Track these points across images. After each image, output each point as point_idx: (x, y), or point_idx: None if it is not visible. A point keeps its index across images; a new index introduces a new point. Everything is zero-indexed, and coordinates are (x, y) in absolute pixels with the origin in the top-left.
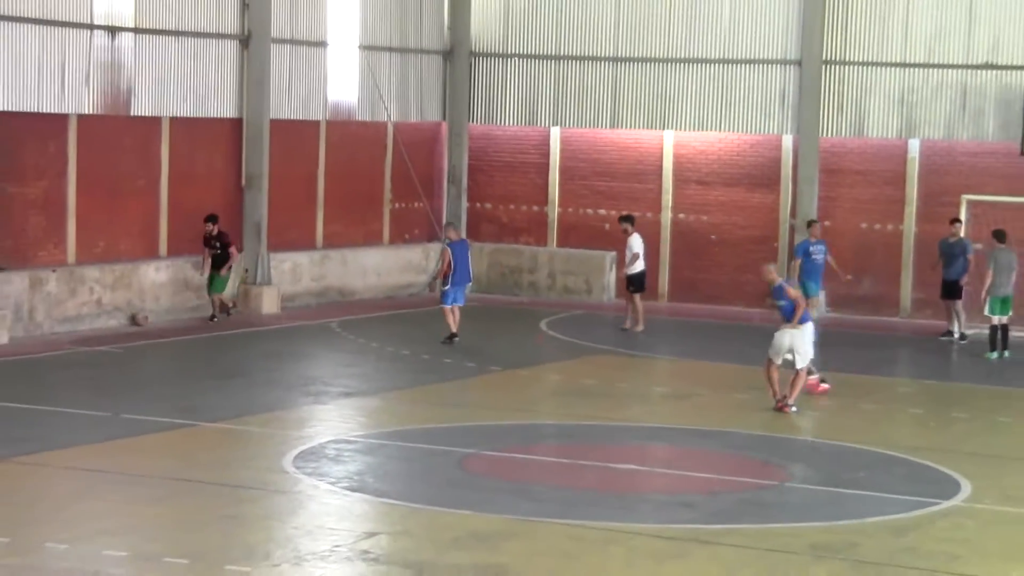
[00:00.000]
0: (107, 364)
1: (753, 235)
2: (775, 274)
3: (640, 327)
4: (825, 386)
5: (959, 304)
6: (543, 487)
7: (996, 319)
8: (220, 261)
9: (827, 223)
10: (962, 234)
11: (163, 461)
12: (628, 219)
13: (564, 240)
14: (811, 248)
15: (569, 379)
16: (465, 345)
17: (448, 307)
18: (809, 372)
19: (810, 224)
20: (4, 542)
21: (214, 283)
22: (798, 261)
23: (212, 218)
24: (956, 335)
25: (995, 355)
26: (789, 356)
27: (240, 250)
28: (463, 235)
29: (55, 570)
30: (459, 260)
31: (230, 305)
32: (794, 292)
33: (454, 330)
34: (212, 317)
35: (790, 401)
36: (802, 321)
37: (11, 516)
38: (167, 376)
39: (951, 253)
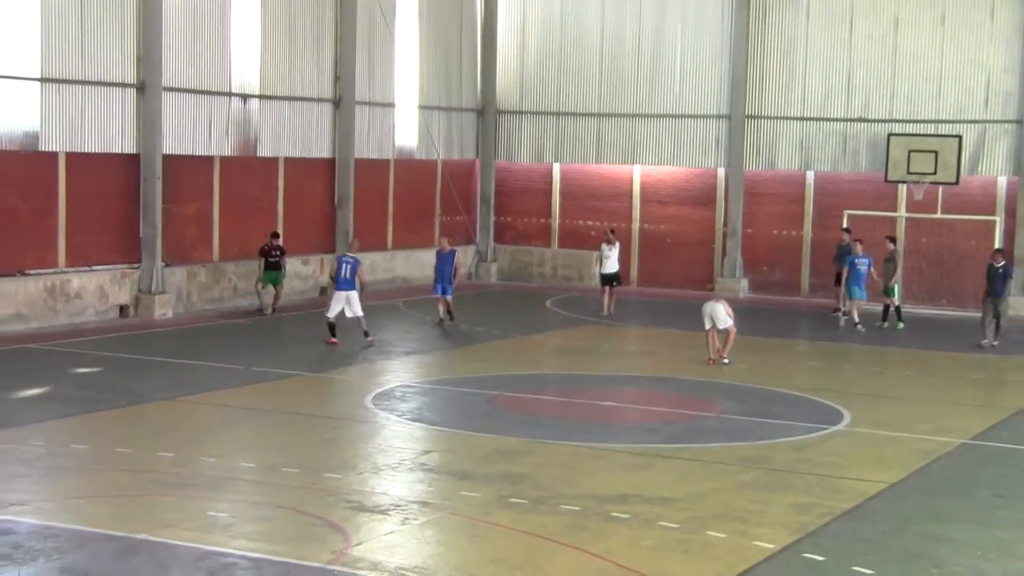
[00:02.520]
0: (241, 333)
1: (697, 239)
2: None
3: (605, 312)
4: (334, 340)
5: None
6: (549, 418)
7: (889, 300)
8: (276, 265)
9: (749, 230)
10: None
11: (281, 400)
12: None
13: (563, 243)
14: (856, 261)
15: (567, 342)
16: (492, 318)
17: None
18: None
19: (856, 242)
20: (171, 456)
21: (277, 279)
22: (846, 269)
23: (276, 234)
24: (843, 311)
25: (887, 324)
26: (710, 322)
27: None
28: (451, 246)
29: (208, 476)
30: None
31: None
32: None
33: (440, 315)
34: (273, 311)
35: (724, 355)
36: (341, 288)
37: (176, 439)
38: (283, 341)
39: (842, 254)
